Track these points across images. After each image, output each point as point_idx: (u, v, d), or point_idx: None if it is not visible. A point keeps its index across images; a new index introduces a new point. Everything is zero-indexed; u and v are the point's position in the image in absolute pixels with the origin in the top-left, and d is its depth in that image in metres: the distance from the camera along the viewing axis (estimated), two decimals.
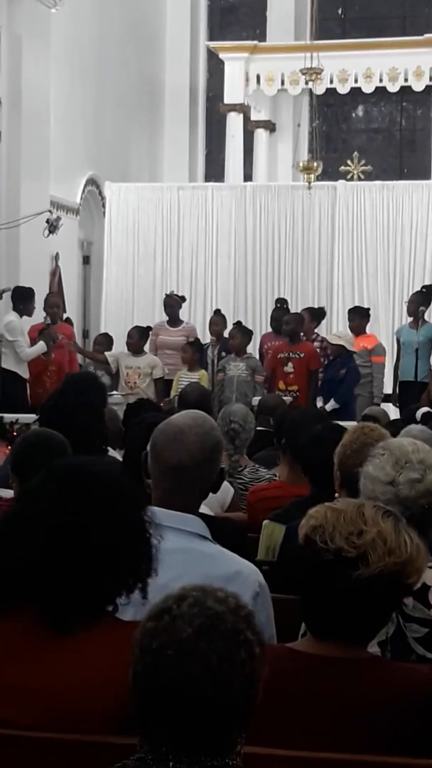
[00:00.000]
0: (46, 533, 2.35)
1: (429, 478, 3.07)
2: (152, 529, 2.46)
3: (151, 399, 10.14)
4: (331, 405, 11.45)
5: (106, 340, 13.02)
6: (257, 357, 12.84)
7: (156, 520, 2.58)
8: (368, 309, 13.21)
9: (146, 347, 12.61)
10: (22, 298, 11.88)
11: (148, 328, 12.79)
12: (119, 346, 12.94)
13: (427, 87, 17.31)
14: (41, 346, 11.77)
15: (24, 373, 11.81)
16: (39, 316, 12.26)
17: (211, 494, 3.23)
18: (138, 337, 12.45)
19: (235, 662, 1.77)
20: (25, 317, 11.96)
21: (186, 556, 2.90)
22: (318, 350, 12.27)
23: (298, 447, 4.80)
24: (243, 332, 12.42)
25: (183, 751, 1.75)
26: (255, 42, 18.11)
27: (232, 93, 17.69)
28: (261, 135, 18.72)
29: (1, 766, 2.24)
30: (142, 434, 3.76)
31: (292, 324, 12.08)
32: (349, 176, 16.96)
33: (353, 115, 20.14)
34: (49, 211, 13.89)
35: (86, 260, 16.95)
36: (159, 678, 1.76)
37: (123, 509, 2.41)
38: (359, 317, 12.77)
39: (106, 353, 12.59)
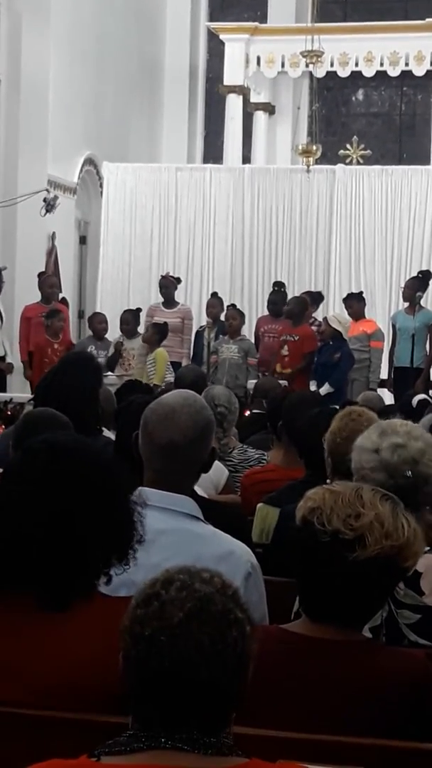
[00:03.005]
0: (34, 517, 2.35)
1: (412, 444, 3.06)
2: (135, 498, 2.48)
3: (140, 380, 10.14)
4: (325, 389, 11.43)
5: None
6: (252, 339, 12.86)
7: (147, 500, 2.58)
8: (361, 292, 13.21)
9: (140, 328, 12.64)
10: None
11: (138, 310, 12.85)
12: (113, 327, 12.95)
13: (428, 72, 17.28)
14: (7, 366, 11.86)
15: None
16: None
17: (203, 475, 3.22)
18: (134, 321, 12.52)
19: (227, 642, 1.77)
20: None
21: (178, 536, 2.90)
22: (316, 334, 12.27)
23: (294, 430, 4.80)
24: (241, 314, 12.47)
25: (176, 730, 1.76)
26: (256, 23, 18.07)
27: (232, 74, 17.65)
28: (260, 117, 18.67)
29: None
30: (133, 415, 3.75)
31: (291, 305, 12.11)
32: (348, 160, 16.91)
33: (353, 98, 20.09)
34: (47, 190, 13.86)
35: (83, 240, 16.93)
36: (153, 664, 1.76)
37: (106, 483, 2.42)
38: (356, 302, 12.76)
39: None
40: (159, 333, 11.98)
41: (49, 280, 12.93)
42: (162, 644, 1.76)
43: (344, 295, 13.27)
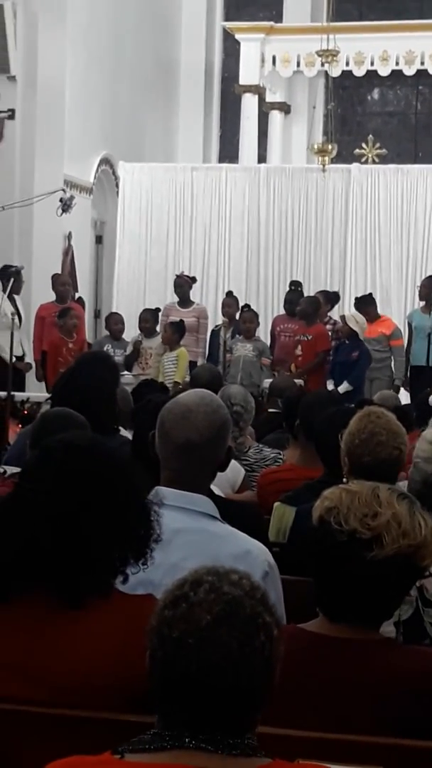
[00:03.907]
0: (50, 516, 2.36)
1: None
2: (152, 497, 2.48)
3: (155, 379, 10.18)
4: (344, 387, 11.47)
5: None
6: (268, 338, 12.88)
7: (165, 499, 2.59)
8: (370, 294, 13.25)
9: (156, 327, 12.68)
10: None
11: (158, 309, 12.89)
12: (129, 326, 12.98)
13: None
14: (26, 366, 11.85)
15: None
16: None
17: (220, 474, 3.22)
18: (153, 320, 12.57)
19: (255, 647, 1.77)
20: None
21: (195, 535, 2.90)
22: (330, 333, 12.29)
23: (311, 429, 4.79)
24: (257, 316, 12.52)
25: (200, 730, 1.76)
26: (271, 23, 18.04)
27: (248, 74, 17.61)
28: (276, 117, 18.65)
29: (13, 742, 2.25)
30: (150, 415, 3.76)
31: (303, 305, 12.12)
32: (363, 159, 16.90)
33: (369, 98, 20.05)
34: (63, 190, 13.83)
35: (99, 240, 16.94)
36: (180, 667, 1.75)
37: (120, 483, 2.43)
38: (370, 306, 12.78)
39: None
40: (177, 332, 12.03)
41: (60, 279, 12.95)
42: (189, 647, 1.75)
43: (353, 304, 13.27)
